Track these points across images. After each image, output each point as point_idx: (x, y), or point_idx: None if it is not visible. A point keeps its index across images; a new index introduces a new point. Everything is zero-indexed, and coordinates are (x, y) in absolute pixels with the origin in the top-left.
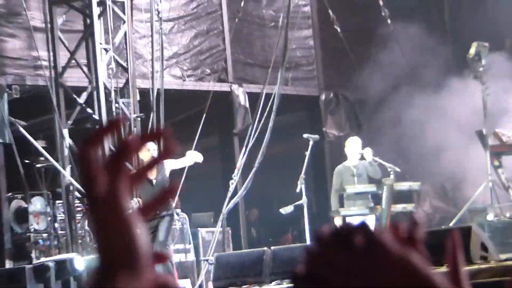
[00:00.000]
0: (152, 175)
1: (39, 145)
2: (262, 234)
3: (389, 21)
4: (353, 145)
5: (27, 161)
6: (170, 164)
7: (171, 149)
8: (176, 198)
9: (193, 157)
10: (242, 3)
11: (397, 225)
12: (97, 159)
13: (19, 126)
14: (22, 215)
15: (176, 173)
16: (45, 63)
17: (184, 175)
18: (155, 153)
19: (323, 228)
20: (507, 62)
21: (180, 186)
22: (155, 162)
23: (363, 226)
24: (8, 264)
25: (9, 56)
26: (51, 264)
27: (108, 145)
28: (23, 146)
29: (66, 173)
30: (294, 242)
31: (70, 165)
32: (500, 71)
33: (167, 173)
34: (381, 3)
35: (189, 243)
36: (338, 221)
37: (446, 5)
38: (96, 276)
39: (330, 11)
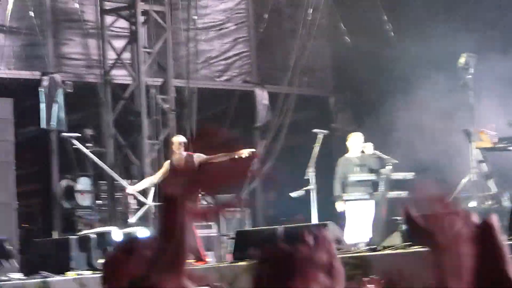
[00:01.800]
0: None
1: (88, 133)
2: (276, 214)
3: (392, 33)
4: (355, 139)
5: (77, 146)
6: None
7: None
8: None
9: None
10: (266, 15)
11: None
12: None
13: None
14: (70, 193)
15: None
16: (96, 63)
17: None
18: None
19: None
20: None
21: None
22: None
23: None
24: (56, 235)
25: (65, 57)
26: (92, 236)
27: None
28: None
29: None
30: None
31: (114, 151)
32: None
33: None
34: (385, 18)
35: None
36: (340, 205)
37: None
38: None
39: (341, 24)
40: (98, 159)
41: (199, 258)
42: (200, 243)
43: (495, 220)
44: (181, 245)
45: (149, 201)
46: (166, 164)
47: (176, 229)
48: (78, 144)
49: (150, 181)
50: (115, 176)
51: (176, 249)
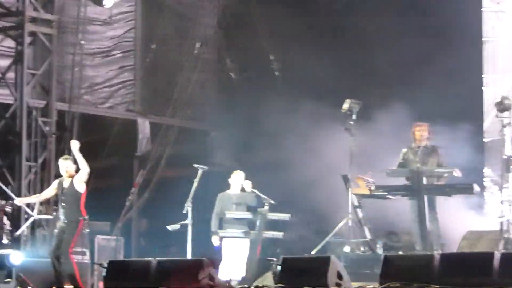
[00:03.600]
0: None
1: None
2: (150, 244)
3: (276, 73)
4: (237, 177)
5: None
6: (80, 177)
7: None
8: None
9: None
10: (154, 46)
11: None
12: None
13: None
14: None
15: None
16: None
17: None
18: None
19: None
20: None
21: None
22: None
23: None
24: None
25: None
26: None
27: None
28: None
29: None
30: (177, 254)
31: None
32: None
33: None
34: (271, 57)
35: (87, 247)
36: (215, 240)
37: None
38: None
39: (228, 60)
40: None
41: (76, 286)
42: (77, 270)
43: None
44: None
45: (35, 214)
46: (55, 183)
47: None
48: None
49: (36, 197)
50: (14, 196)
51: None
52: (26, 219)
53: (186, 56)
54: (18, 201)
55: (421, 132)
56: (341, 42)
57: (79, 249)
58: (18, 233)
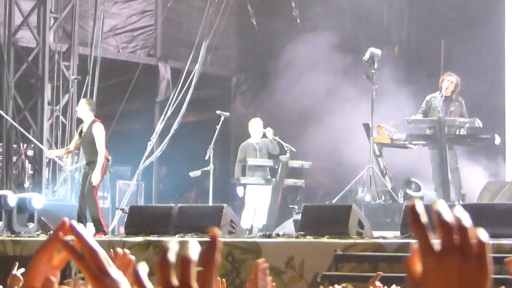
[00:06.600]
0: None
1: None
2: (169, 189)
3: (298, 20)
4: (256, 125)
5: None
6: (98, 135)
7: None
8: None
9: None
10: None
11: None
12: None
13: None
14: None
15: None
16: (0, 24)
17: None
18: None
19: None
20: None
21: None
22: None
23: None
24: None
25: None
26: None
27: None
28: None
29: (9, 118)
30: (197, 199)
31: (12, 113)
32: (388, 74)
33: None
34: (293, 4)
35: (108, 192)
36: (240, 189)
37: None
38: None
39: (249, 6)
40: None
41: (100, 229)
42: (101, 213)
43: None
44: None
45: (68, 167)
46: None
47: None
48: None
49: (66, 149)
50: (36, 142)
51: None
52: (48, 163)
53: (207, 2)
54: (49, 153)
55: (449, 83)
56: None
57: (100, 194)
58: (55, 188)
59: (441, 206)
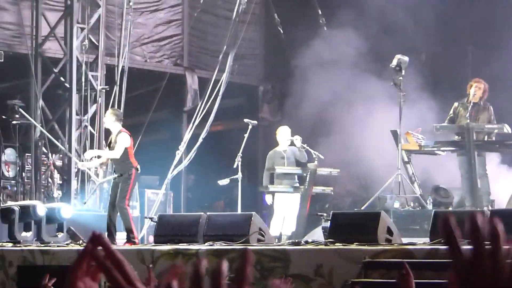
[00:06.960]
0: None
1: (15, 104)
2: (198, 198)
3: (325, 28)
4: (283, 133)
5: (4, 117)
6: (120, 143)
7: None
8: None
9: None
10: (201, 0)
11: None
12: None
13: None
14: None
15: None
16: (28, 35)
17: (137, 142)
18: None
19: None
20: (422, 74)
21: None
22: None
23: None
24: None
25: None
26: (16, 208)
27: None
28: (1, 104)
29: (38, 126)
30: (226, 208)
31: (40, 124)
32: (415, 81)
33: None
34: (319, 12)
35: (136, 201)
36: (268, 197)
37: None
38: None
39: (275, 14)
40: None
41: (130, 239)
42: (133, 222)
43: None
44: None
45: (100, 179)
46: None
47: None
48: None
49: (98, 161)
50: (66, 151)
51: None
52: (76, 173)
53: (233, 11)
54: (80, 165)
55: (477, 89)
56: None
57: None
58: (85, 200)
59: (472, 214)
